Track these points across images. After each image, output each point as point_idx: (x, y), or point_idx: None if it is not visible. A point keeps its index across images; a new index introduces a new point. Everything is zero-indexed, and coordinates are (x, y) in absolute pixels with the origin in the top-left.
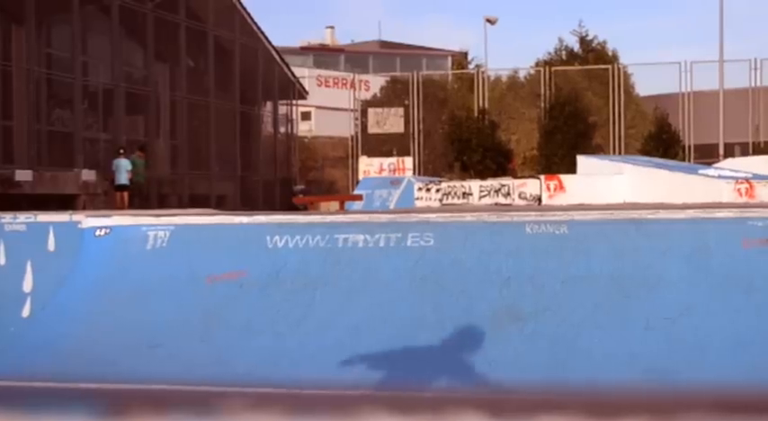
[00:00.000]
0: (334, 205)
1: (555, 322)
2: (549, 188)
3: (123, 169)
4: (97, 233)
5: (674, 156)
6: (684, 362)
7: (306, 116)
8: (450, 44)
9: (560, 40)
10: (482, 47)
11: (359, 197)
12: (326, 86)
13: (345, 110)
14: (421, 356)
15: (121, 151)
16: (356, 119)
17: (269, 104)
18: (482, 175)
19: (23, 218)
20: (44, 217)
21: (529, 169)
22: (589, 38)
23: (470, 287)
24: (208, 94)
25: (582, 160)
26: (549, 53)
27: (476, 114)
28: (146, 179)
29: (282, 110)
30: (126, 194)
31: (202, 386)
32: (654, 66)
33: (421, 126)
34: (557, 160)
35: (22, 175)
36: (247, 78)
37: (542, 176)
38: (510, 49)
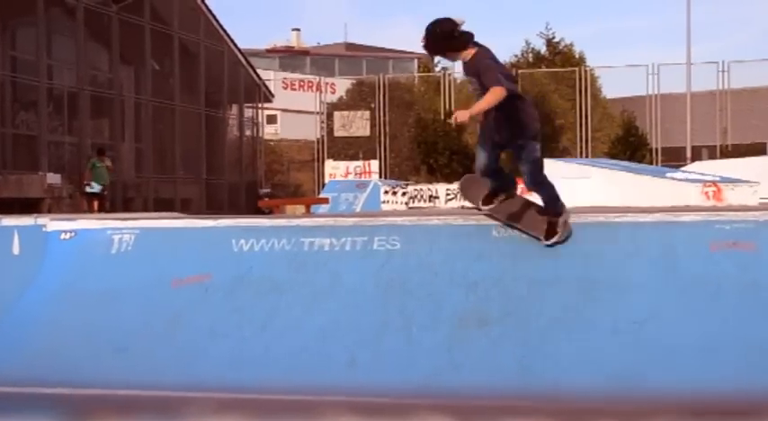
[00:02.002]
0: (300, 208)
1: (521, 326)
2: None
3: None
4: (62, 236)
5: (641, 159)
6: (651, 366)
7: (271, 119)
8: (417, 46)
9: (527, 43)
10: None
11: (325, 200)
12: (292, 89)
13: (311, 113)
14: (387, 360)
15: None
16: (322, 122)
17: (234, 107)
18: (449, 179)
19: None
20: (8, 220)
21: None
22: (556, 40)
23: (437, 291)
24: (173, 97)
25: (549, 163)
26: (516, 55)
27: (442, 117)
28: (108, 182)
29: (248, 113)
30: (96, 202)
31: (167, 390)
32: (621, 68)
33: (387, 129)
34: None
35: None
36: (213, 81)
37: None
38: None
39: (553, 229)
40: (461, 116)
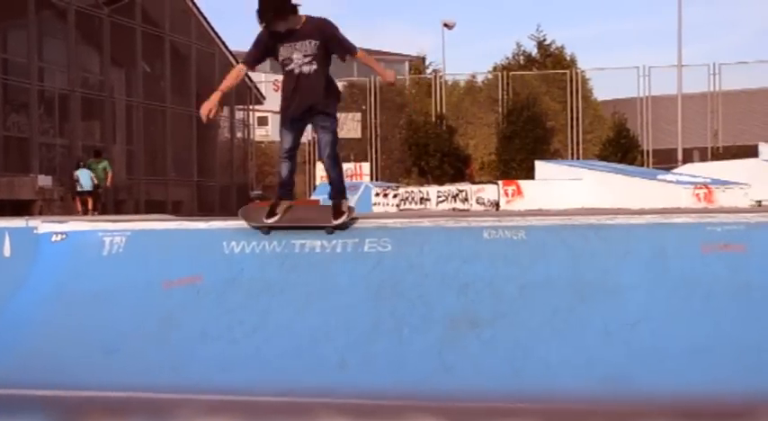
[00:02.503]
0: None
1: (513, 328)
2: (507, 193)
3: (87, 176)
4: (53, 238)
5: (632, 161)
6: (642, 368)
7: (262, 121)
8: (408, 49)
9: (518, 45)
10: (440, 51)
11: (316, 202)
12: None
13: None
14: (378, 362)
15: (82, 163)
16: None
17: (225, 109)
18: (440, 181)
19: None
20: None
21: (487, 174)
22: (547, 42)
23: (428, 293)
24: (164, 99)
25: (540, 165)
26: (507, 58)
27: (433, 119)
28: (103, 183)
29: (239, 115)
30: (90, 199)
31: (158, 392)
32: (612, 70)
33: (378, 131)
34: (515, 165)
35: None
36: (204, 83)
37: (500, 182)
38: (468, 54)
39: (339, 210)
40: (392, 77)
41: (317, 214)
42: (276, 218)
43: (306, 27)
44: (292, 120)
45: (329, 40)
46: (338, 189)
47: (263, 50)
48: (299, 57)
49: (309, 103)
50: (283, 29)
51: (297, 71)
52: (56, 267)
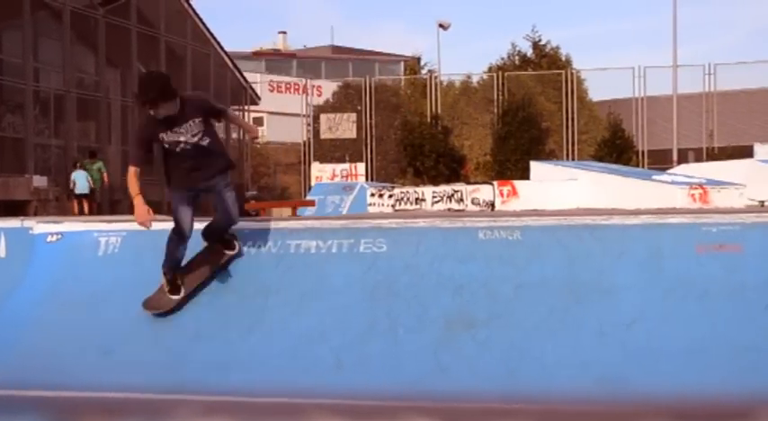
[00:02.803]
0: (287, 211)
1: (508, 329)
2: (502, 194)
3: (83, 178)
4: (49, 239)
5: (627, 162)
6: (638, 368)
7: (258, 122)
8: (403, 49)
9: (513, 46)
10: (435, 52)
11: (311, 203)
12: (279, 92)
13: (298, 115)
14: (374, 363)
15: (78, 164)
16: (308, 124)
17: None
18: (435, 181)
19: None
20: None
21: (482, 175)
22: (542, 43)
23: (423, 293)
24: None
25: (535, 166)
26: (502, 58)
27: (429, 120)
28: (98, 186)
29: None
30: (86, 203)
31: (154, 393)
32: (607, 70)
33: (373, 131)
34: (510, 166)
35: None
36: (199, 84)
37: (495, 182)
38: (463, 55)
39: (230, 243)
40: (256, 132)
41: (211, 257)
42: (183, 290)
43: (184, 109)
44: (197, 192)
45: (209, 113)
46: (229, 227)
47: (148, 145)
48: (188, 137)
49: (216, 169)
50: (163, 115)
51: (191, 147)
52: (51, 267)
